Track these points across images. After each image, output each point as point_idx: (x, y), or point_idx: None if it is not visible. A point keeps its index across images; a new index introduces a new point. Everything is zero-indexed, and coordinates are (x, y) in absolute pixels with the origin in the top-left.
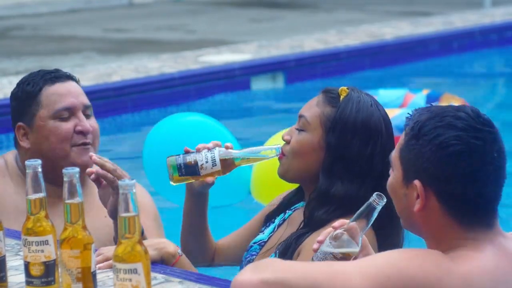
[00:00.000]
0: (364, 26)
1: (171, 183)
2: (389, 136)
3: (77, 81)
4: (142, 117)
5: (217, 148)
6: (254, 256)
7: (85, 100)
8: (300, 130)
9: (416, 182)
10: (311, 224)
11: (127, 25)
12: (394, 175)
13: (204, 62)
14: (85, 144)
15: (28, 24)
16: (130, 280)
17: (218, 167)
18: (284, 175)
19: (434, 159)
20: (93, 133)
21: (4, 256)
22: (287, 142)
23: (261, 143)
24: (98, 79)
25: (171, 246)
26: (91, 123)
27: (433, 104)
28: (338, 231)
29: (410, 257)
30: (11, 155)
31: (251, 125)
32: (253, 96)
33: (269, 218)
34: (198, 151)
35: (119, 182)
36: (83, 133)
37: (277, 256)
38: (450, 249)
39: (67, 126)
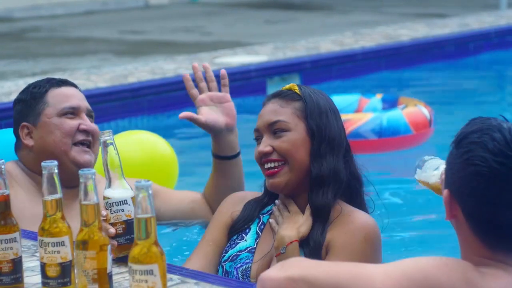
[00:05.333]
0: (380, 28)
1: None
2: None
3: (80, 90)
4: (158, 118)
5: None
6: (250, 264)
7: (88, 105)
8: (279, 132)
9: (445, 192)
10: (319, 214)
11: (143, 27)
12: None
13: (220, 64)
14: (86, 142)
15: (44, 26)
16: (146, 281)
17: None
18: (286, 185)
19: (460, 173)
20: (94, 136)
21: (21, 257)
22: (270, 152)
23: None
24: (114, 81)
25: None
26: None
27: (401, 107)
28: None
29: (439, 264)
30: (10, 165)
31: None
32: None
33: (239, 227)
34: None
35: (136, 184)
36: (86, 132)
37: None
38: (480, 264)
39: (72, 122)
